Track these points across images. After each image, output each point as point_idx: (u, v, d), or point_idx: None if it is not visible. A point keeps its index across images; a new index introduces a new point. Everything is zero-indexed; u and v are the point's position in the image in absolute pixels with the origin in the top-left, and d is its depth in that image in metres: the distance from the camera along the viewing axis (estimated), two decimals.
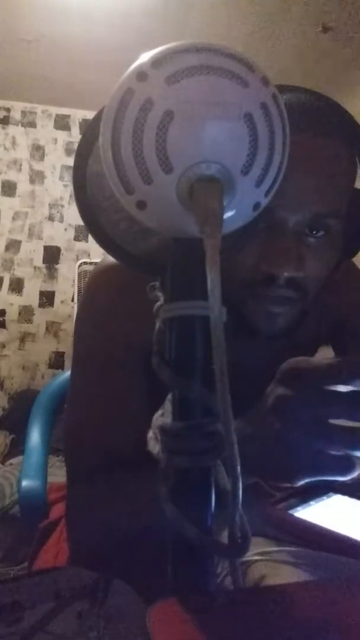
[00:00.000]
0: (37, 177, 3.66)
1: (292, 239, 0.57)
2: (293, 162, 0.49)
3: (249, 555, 0.52)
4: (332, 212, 0.58)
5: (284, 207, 0.56)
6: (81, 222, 0.48)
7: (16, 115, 3.68)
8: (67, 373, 1.23)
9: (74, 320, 3.21)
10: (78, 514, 0.66)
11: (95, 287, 0.71)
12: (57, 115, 3.72)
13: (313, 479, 0.44)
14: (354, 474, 0.43)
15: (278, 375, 0.47)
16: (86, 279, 3.36)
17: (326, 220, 0.58)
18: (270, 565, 0.52)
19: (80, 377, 0.70)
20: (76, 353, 0.71)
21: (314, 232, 0.58)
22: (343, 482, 0.78)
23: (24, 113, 3.69)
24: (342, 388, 0.43)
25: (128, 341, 0.65)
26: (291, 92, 0.60)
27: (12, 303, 3.54)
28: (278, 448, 0.45)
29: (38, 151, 3.69)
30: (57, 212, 3.64)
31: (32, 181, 3.65)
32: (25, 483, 0.93)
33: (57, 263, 3.62)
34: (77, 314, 0.73)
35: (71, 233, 3.64)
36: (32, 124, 3.70)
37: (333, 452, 0.43)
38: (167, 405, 0.42)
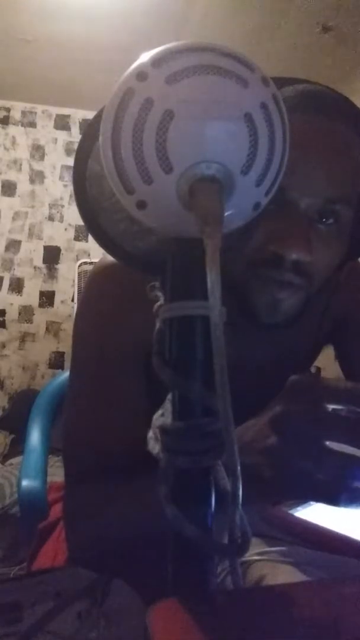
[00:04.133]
0: (37, 177, 3.66)
1: (302, 222, 0.56)
2: (307, 145, 0.53)
3: (249, 555, 0.52)
4: (344, 197, 0.57)
5: (297, 190, 0.55)
6: (81, 222, 0.48)
7: (16, 115, 3.68)
8: (67, 373, 1.23)
9: (74, 320, 3.20)
10: (75, 514, 0.66)
11: (94, 286, 0.71)
12: (57, 115, 3.72)
13: (300, 500, 0.44)
14: (344, 505, 0.42)
15: (283, 390, 0.46)
16: (86, 278, 3.36)
17: (337, 207, 0.57)
18: (270, 565, 0.52)
19: (79, 377, 0.70)
20: (75, 352, 0.70)
21: (324, 220, 0.58)
22: None
23: (24, 113, 3.68)
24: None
25: (127, 341, 0.65)
26: (304, 83, 0.60)
27: (12, 303, 3.53)
28: (269, 463, 0.44)
29: (38, 151, 3.69)
30: (57, 212, 3.64)
31: (32, 181, 3.65)
32: (25, 483, 0.93)
33: (57, 263, 3.61)
34: (77, 313, 0.72)
35: (71, 233, 3.63)
36: (32, 124, 3.69)
37: (323, 477, 0.41)
38: (167, 405, 0.42)
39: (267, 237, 0.57)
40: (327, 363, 0.87)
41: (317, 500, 0.42)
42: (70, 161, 3.35)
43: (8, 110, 3.66)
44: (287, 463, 0.43)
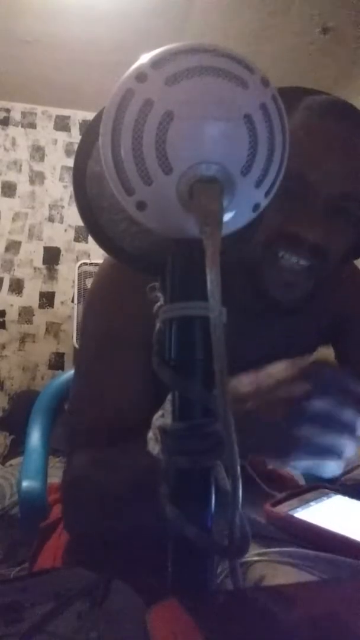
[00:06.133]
0: (37, 178, 3.66)
1: (321, 209, 0.61)
2: (333, 145, 0.61)
3: (249, 556, 0.52)
4: (357, 194, 0.63)
5: (319, 181, 0.60)
6: (81, 223, 0.48)
7: (16, 116, 3.68)
8: (67, 374, 1.23)
9: (74, 321, 3.19)
10: (75, 478, 0.66)
11: (106, 271, 0.74)
12: (57, 116, 3.72)
13: (304, 464, 0.46)
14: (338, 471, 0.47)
15: (300, 368, 0.48)
16: (86, 279, 3.36)
17: (349, 203, 0.63)
18: (270, 565, 0.52)
19: (86, 352, 0.73)
20: (84, 328, 0.75)
21: (338, 211, 0.62)
22: (343, 482, 0.78)
23: (24, 114, 3.68)
24: None
25: (133, 321, 0.66)
26: (324, 94, 0.67)
27: (12, 304, 3.53)
28: (276, 430, 0.46)
29: (38, 152, 3.69)
30: (57, 213, 3.64)
31: (32, 182, 3.65)
32: (25, 484, 0.93)
33: (57, 264, 3.61)
34: (87, 297, 0.77)
35: (71, 234, 3.63)
36: (32, 125, 3.69)
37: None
38: (167, 406, 0.42)
39: (287, 219, 0.61)
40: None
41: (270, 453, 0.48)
42: (70, 162, 3.35)
43: (8, 111, 3.66)
44: (293, 431, 0.46)
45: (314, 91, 0.68)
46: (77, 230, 3.62)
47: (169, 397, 0.42)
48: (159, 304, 0.42)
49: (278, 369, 0.49)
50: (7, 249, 3.55)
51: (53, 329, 3.56)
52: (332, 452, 0.46)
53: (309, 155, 0.60)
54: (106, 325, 0.70)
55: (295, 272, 0.63)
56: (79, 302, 3.36)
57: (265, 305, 0.67)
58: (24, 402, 2.93)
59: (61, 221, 3.64)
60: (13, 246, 3.56)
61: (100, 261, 3.37)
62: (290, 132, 0.63)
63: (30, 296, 3.56)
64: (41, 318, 3.56)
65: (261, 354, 0.69)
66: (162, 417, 0.43)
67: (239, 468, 0.34)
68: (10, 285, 3.54)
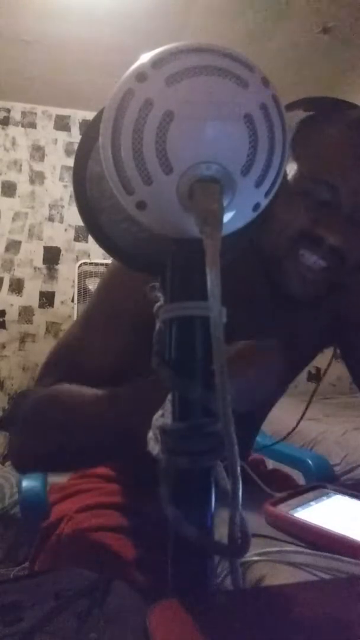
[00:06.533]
0: (37, 177, 3.65)
1: (347, 217, 0.66)
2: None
3: (249, 556, 0.52)
4: None
5: (347, 192, 0.65)
6: (81, 223, 0.48)
7: (16, 115, 3.67)
8: None
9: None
10: (43, 398, 0.68)
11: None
12: (57, 116, 3.72)
13: None
14: None
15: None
16: (86, 279, 3.36)
17: None
18: (270, 565, 0.52)
19: (83, 314, 0.79)
20: (88, 301, 0.84)
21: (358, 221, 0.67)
22: (343, 482, 0.78)
23: (24, 114, 3.68)
24: None
25: (132, 301, 0.67)
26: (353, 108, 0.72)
27: (12, 304, 3.53)
28: None
29: (38, 152, 3.68)
30: (57, 212, 3.64)
31: (32, 182, 3.65)
32: (25, 483, 0.93)
33: (57, 264, 3.61)
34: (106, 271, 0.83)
35: (71, 233, 3.63)
36: (32, 125, 3.69)
37: None
38: (168, 406, 0.42)
39: (314, 222, 0.66)
40: (326, 363, 0.89)
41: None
42: (70, 162, 3.35)
43: (8, 110, 3.66)
44: None
45: (352, 105, 0.72)
46: (77, 230, 3.61)
47: (169, 397, 0.42)
48: (159, 303, 0.42)
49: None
50: (7, 249, 3.55)
51: (53, 329, 3.56)
52: None
53: (341, 167, 0.66)
54: (105, 301, 0.76)
55: (313, 271, 0.68)
56: (79, 302, 3.36)
57: (280, 299, 0.72)
58: None
59: (61, 221, 3.64)
60: (13, 246, 3.56)
61: (100, 261, 3.38)
62: (326, 144, 0.68)
63: (30, 296, 3.56)
64: (41, 318, 3.56)
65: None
66: (162, 417, 0.43)
67: (239, 468, 0.34)
68: (10, 285, 3.54)
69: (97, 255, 3.45)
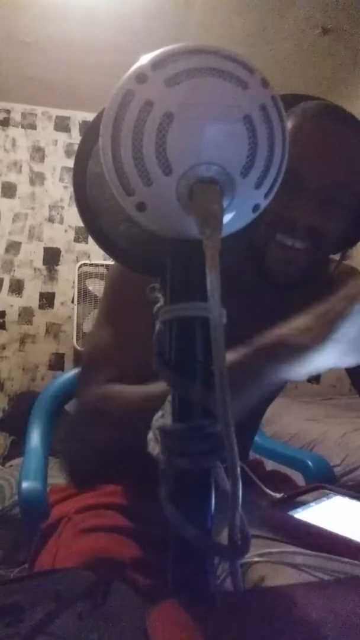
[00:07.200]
0: (37, 178, 3.66)
1: (314, 197, 0.71)
2: (327, 142, 0.71)
3: (249, 557, 0.52)
4: (345, 185, 0.72)
5: (314, 172, 0.70)
6: (81, 224, 0.48)
7: (16, 116, 3.68)
8: (67, 374, 1.23)
9: (74, 322, 3.19)
10: (101, 396, 0.70)
11: None
12: (57, 117, 3.73)
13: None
14: None
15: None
16: (86, 280, 3.36)
17: (340, 192, 0.72)
18: (270, 566, 0.52)
19: (100, 314, 0.82)
20: (102, 298, 0.85)
21: (329, 200, 0.72)
22: (343, 483, 0.78)
23: (24, 115, 3.69)
24: None
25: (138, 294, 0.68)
26: (320, 99, 0.77)
27: (12, 304, 3.53)
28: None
29: (38, 153, 3.69)
30: (57, 213, 3.64)
31: (32, 183, 3.65)
32: (25, 484, 0.93)
33: (57, 264, 3.62)
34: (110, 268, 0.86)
35: (71, 234, 3.64)
36: (32, 126, 3.70)
37: None
38: (167, 407, 0.42)
39: (284, 206, 0.70)
40: None
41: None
42: (70, 163, 3.35)
43: (8, 112, 3.67)
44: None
45: (308, 97, 0.78)
46: (77, 230, 3.62)
47: (169, 397, 0.42)
48: (159, 304, 0.42)
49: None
50: (7, 250, 3.55)
51: (53, 330, 3.56)
52: None
53: (301, 151, 0.68)
54: (116, 296, 0.79)
55: (292, 253, 0.73)
56: (79, 303, 3.37)
57: (270, 287, 0.77)
58: (23, 403, 2.94)
59: (61, 222, 3.64)
60: (13, 247, 3.57)
61: (100, 262, 3.38)
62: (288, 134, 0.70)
63: (30, 297, 3.56)
64: (41, 319, 3.56)
65: (257, 326, 0.75)
66: (162, 418, 0.43)
67: (239, 469, 0.34)
68: (10, 286, 3.54)
69: (97, 256, 3.45)
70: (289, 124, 0.71)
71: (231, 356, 0.59)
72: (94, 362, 0.77)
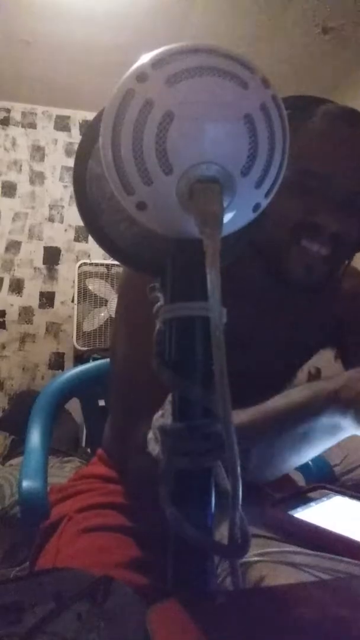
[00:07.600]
0: (37, 178, 3.65)
1: (340, 203, 0.71)
2: (352, 147, 0.72)
3: (249, 556, 0.52)
4: None
5: (339, 179, 0.70)
6: (81, 223, 0.48)
7: (16, 116, 3.67)
8: (67, 374, 1.23)
9: (74, 321, 3.18)
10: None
11: None
12: (57, 116, 3.72)
13: None
14: None
15: None
16: (86, 279, 3.36)
17: None
18: (270, 566, 0.52)
19: (121, 329, 0.80)
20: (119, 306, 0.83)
21: (353, 208, 0.72)
22: (343, 483, 0.78)
23: (24, 114, 3.68)
24: None
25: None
26: (333, 103, 0.76)
27: (12, 304, 3.53)
28: None
29: (38, 152, 3.69)
30: (57, 213, 3.64)
31: (32, 182, 3.65)
32: (25, 484, 0.93)
33: (57, 264, 3.61)
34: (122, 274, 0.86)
35: (71, 234, 3.63)
36: (32, 125, 3.69)
37: None
38: (167, 406, 0.42)
39: (310, 212, 0.70)
40: (327, 364, 0.89)
41: None
42: (71, 162, 3.35)
43: (8, 111, 3.66)
44: None
45: (326, 100, 0.77)
46: (77, 230, 3.61)
47: (169, 397, 0.42)
48: (159, 304, 0.42)
49: None
50: (7, 249, 3.55)
51: (53, 329, 3.56)
52: None
53: (329, 157, 0.70)
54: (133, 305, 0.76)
55: (316, 259, 0.72)
56: (79, 302, 3.36)
57: (284, 288, 0.76)
58: (24, 403, 2.93)
59: (61, 221, 3.64)
60: (13, 246, 3.56)
61: (100, 261, 3.38)
62: (311, 137, 0.71)
63: (31, 296, 3.56)
64: (41, 318, 3.56)
65: (271, 338, 0.77)
66: (162, 417, 0.43)
67: (239, 468, 0.34)
68: (10, 285, 3.54)
69: (98, 256, 3.45)
70: (310, 127, 0.71)
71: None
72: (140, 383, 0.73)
